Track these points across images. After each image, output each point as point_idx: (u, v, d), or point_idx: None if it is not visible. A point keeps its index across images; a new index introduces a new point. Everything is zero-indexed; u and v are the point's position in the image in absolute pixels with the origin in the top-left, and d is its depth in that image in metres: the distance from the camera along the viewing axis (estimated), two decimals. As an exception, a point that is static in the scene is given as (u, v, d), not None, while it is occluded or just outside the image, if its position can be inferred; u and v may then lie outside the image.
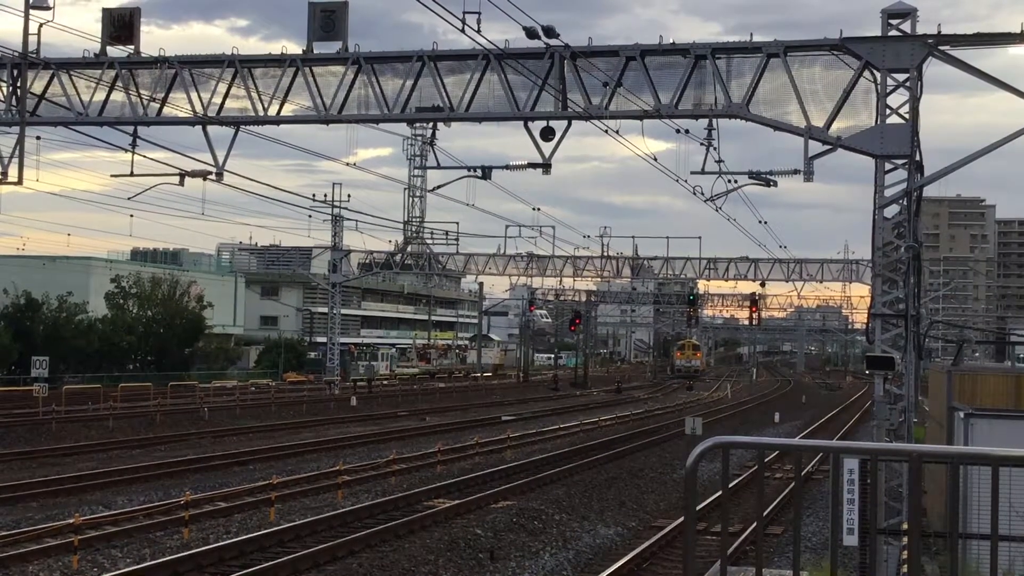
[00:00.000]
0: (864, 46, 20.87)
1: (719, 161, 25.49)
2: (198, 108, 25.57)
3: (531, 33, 20.84)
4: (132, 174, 27.33)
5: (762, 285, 75.68)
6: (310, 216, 67.64)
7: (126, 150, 26.42)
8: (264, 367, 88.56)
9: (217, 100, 25.52)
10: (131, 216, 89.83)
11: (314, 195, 67.08)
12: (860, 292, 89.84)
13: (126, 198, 33.03)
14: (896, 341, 20.35)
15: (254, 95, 25.27)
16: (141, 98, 25.79)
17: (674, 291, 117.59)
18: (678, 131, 24.71)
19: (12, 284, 69.50)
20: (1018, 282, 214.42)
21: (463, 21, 20.17)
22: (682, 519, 21.27)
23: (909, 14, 20.51)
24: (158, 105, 25.81)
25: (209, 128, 26.04)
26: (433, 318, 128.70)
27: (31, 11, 24.83)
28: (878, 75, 20.72)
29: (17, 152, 25.90)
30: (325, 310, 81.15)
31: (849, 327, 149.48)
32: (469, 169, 28.67)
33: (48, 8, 24.89)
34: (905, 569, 15.27)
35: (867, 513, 14.15)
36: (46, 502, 25.15)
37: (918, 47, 20.40)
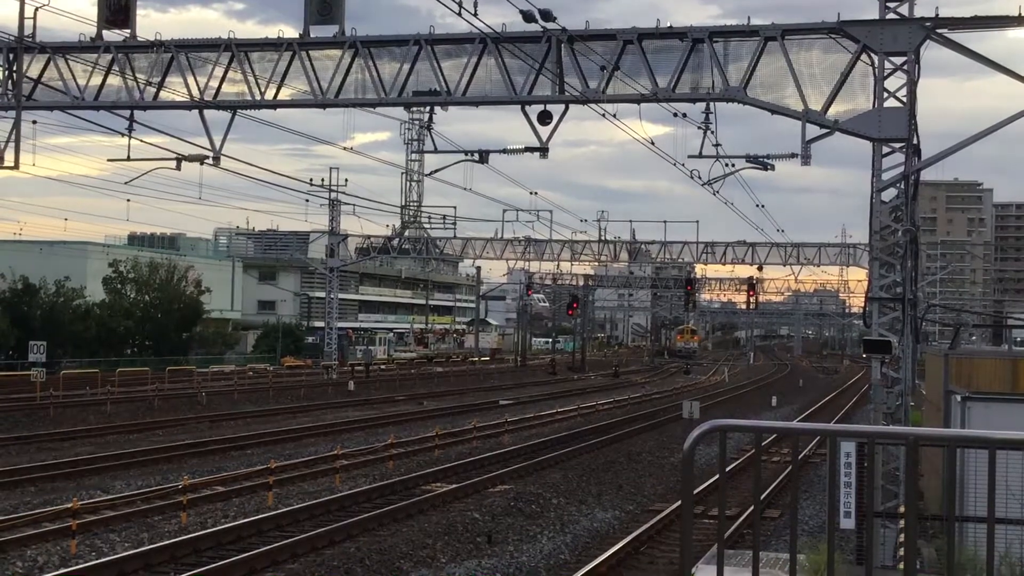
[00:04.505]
0: (862, 29, 20.80)
1: (716, 145, 25.47)
2: (195, 92, 25.49)
3: (528, 17, 20.76)
4: (129, 159, 27.30)
5: (759, 269, 75.67)
6: (307, 201, 67.52)
7: (122, 134, 26.35)
8: (262, 352, 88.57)
9: (214, 84, 25.44)
10: (128, 201, 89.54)
11: (311, 179, 66.98)
12: (857, 276, 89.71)
13: (123, 183, 32.98)
14: (893, 325, 20.35)
15: (251, 79, 25.19)
16: (137, 82, 25.70)
17: (671, 275, 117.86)
18: (675, 115, 24.67)
19: (9, 269, 69.42)
20: (1015, 266, 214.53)
21: (460, 4, 20.10)
22: (679, 503, 21.32)
23: (907, -3, 20.44)
24: (154, 89, 25.72)
25: (206, 112, 25.96)
26: (431, 302, 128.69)
27: (26, -5, 24.74)
28: (876, 58, 20.67)
29: (13, 136, 25.85)
30: (323, 295, 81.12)
31: (846, 311, 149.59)
32: (466, 153, 28.66)
33: (43, -8, 24.80)
34: (902, 552, 15.31)
35: (864, 496, 14.17)
36: (44, 487, 25.17)
37: (916, 30, 20.34)
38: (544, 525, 22.58)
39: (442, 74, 24.11)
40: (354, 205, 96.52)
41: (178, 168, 27.03)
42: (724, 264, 73.72)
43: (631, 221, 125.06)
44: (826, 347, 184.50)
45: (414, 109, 53.81)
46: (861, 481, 14.33)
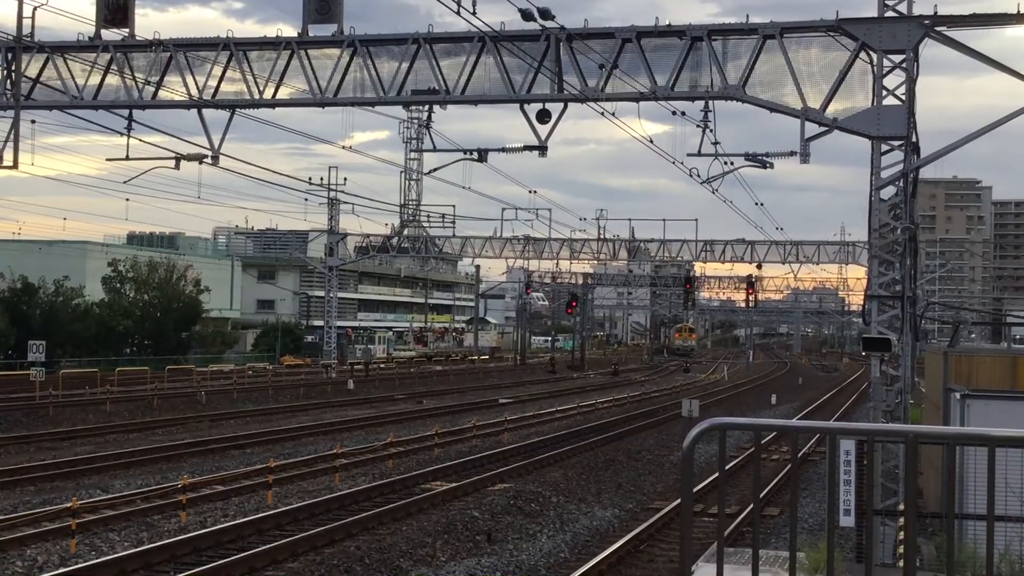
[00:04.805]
0: (860, 27, 20.80)
1: (715, 143, 25.48)
2: (193, 91, 25.49)
3: (527, 15, 20.74)
4: (128, 158, 27.30)
5: (758, 267, 75.61)
6: (306, 200, 67.50)
7: (121, 134, 26.36)
8: (261, 351, 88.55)
9: (212, 83, 25.43)
10: (127, 200, 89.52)
11: (310, 178, 66.92)
12: (856, 274, 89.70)
13: (122, 182, 33.00)
14: (892, 323, 20.36)
15: (249, 78, 25.19)
16: (136, 81, 25.69)
17: (670, 273, 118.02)
18: (674, 113, 24.67)
19: (8, 268, 69.42)
20: (1014, 263, 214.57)
21: (458, 3, 20.07)
22: (679, 501, 21.32)
23: (906, -6, 20.43)
24: (153, 88, 25.72)
25: (205, 111, 25.96)
26: (430, 301, 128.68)
27: (25, -6, 24.72)
28: (874, 56, 20.67)
29: (12, 136, 25.84)
30: (322, 294, 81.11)
31: (845, 309, 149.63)
32: (465, 152, 28.66)
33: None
34: (901, 550, 15.31)
35: (863, 494, 14.18)
36: (43, 486, 25.17)
37: (914, 28, 20.34)
38: (544, 523, 22.59)
39: (441, 73, 24.11)
40: (353, 204, 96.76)
41: (177, 167, 27.05)
42: (723, 262, 73.67)
43: (630, 219, 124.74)
44: (825, 345, 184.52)
45: (413, 108, 53.84)
46: (861, 479, 14.34)
